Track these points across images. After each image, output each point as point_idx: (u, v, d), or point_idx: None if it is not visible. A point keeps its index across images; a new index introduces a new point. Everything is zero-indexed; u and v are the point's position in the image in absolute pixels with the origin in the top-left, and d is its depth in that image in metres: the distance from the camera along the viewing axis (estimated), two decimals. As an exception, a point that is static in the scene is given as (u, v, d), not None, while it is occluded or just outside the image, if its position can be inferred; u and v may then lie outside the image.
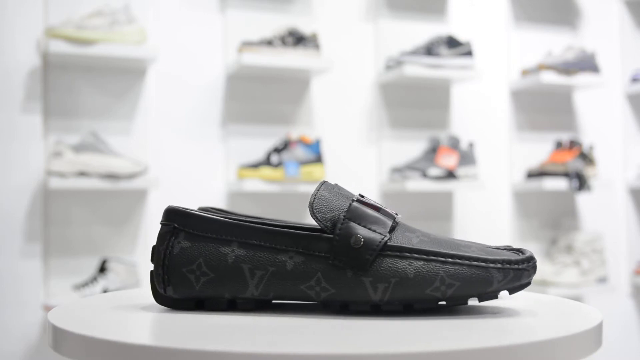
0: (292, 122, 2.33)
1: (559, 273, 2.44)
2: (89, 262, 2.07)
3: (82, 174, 1.95)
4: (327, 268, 0.56)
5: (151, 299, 0.63)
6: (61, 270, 2.04)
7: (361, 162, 2.41)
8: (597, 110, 2.76)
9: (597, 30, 2.78)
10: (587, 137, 2.72)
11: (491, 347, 0.45)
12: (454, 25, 2.55)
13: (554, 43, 2.67)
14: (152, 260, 0.59)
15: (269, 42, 2.15)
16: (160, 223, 0.60)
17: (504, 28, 2.64)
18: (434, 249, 0.56)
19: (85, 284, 1.94)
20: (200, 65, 2.25)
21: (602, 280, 2.50)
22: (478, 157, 2.49)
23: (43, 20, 2.06)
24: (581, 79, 2.49)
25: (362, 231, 0.56)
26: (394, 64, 2.32)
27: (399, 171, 2.30)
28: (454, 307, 0.59)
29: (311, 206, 0.57)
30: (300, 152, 2.17)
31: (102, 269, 1.98)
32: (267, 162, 2.14)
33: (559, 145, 2.56)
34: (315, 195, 0.58)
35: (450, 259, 0.55)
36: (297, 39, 2.18)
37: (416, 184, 2.25)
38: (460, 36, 2.45)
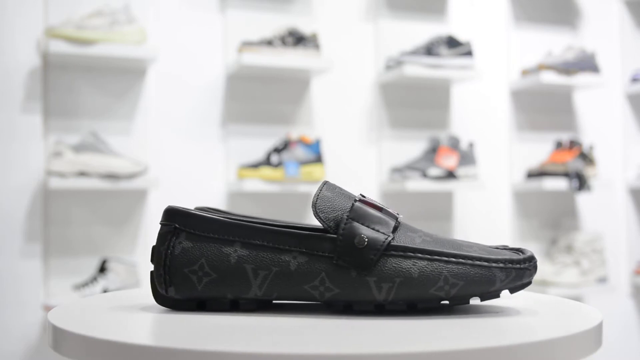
0: (292, 122, 2.33)
1: (559, 273, 2.44)
2: (89, 262, 2.07)
3: (82, 174, 1.95)
4: (331, 268, 0.56)
5: (151, 299, 0.63)
6: (61, 270, 2.04)
7: (361, 162, 2.41)
8: (597, 110, 2.76)
9: (597, 30, 2.78)
10: (587, 137, 2.72)
11: (491, 347, 0.45)
12: (454, 25, 2.55)
13: (554, 43, 2.67)
14: (152, 261, 0.59)
15: (269, 42, 2.15)
16: (160, 223, 0.59)
17: (504, 28, 2.64)
18: (437, 249, 0.56)
19: (85, 284, 1.94)
20: (200, 65, 2.25)
21: (602, 280, 2.50)
22: (478, 157, 2.49)
23: (43, 20, 2.06)
24: (581, 79, 2.49)
25: (365, 231, 0.56)
26: (394, 64, 2.32)
27: (399, 171, 2.30)
28: (456, 306, 0.59)
29: (314, 206, 0.57)
30: (300, 152, 2.17)
31: (102, 269, 1.98)
32: (267, 162, 2.14)
33: (559, 145, 2.56)
34: (317, 196, 0.58)
35: (453, 259, 0.55)
36: (297, 39, 2.18)
37: (416, 184, 2.25)
38: (460, 36, 2.45)
